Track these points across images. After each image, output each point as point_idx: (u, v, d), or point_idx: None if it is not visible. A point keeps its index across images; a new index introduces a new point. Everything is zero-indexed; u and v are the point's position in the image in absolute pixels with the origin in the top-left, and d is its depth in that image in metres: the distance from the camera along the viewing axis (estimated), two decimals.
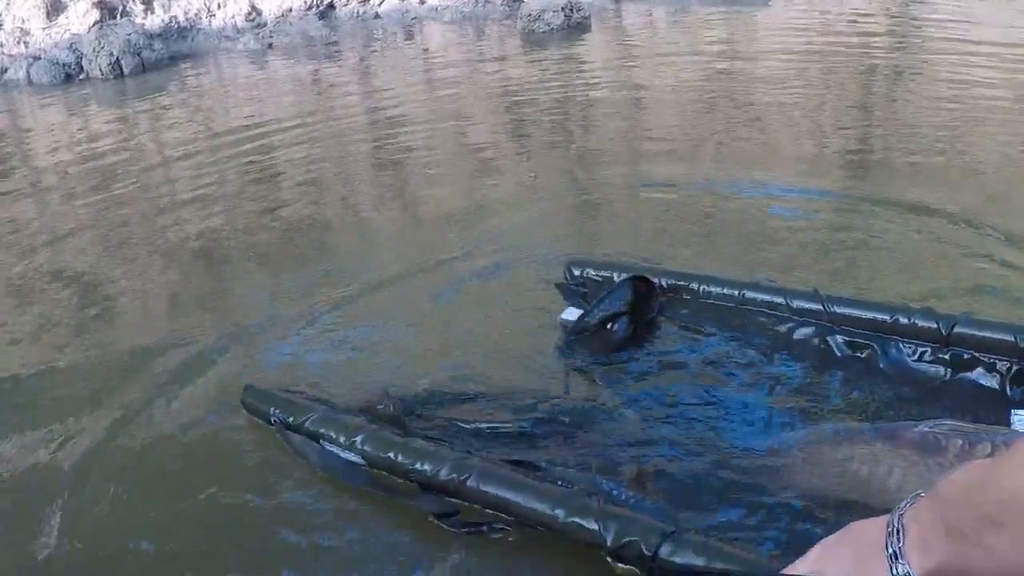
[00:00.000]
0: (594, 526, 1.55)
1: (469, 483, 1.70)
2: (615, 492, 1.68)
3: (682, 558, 1.46)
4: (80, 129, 6.38)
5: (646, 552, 1.48)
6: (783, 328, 2.27)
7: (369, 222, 3.95)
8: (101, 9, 8.81)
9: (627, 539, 1.51)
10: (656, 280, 2.46)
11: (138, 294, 3.26)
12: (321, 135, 5.37)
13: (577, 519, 1.57)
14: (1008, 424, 1.80)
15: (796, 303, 2.26)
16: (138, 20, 8.88)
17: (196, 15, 9.12)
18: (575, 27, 8.51)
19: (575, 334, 2.39)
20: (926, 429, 1.69)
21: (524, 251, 3.20)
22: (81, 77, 8.13)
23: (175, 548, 1.83)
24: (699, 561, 1.44)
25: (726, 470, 1.78)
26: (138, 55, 8.19)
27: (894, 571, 0.83)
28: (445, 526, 1.72)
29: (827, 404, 2.01)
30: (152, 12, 9.02)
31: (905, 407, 1.94)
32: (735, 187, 3.78)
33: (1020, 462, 0.74)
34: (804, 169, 4.09)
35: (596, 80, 6.49)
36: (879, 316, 2.13)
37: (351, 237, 3.76)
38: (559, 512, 1.59)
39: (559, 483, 1.70)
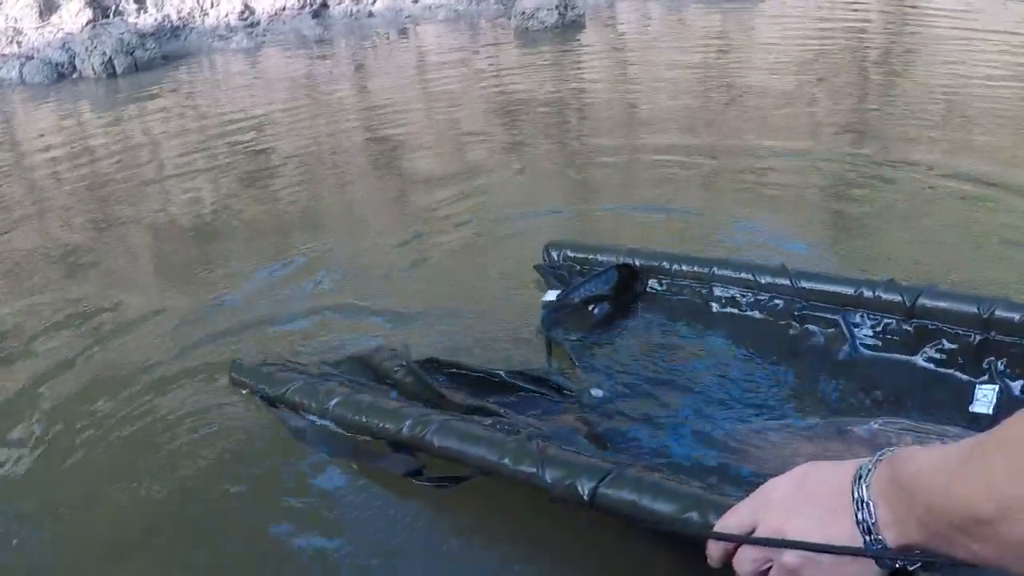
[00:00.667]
0: (533, 470, 1.54)
1: (427, 437, 1.73)
2: (563, 435, 1.70)
3: (617, 493, 1.42)
4: (73, 128, 6.36)
5: (584, 495, 1.45)
6: (752, 312, 2.31)
7: (358, 210, 3.92)
8: (94, 8, 8.79)
9: (566, 481, 1.48)
10: (632, 261, 2.49)
11: (124, 268, 3.27)
12: (314, 133, 5.36)
13: (521, 466, 1.57)
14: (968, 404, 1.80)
15: (764, 279, 2.29)
16: (131, 19, 8.86)
17: (189, 14, 9.10)
18: (570, 25, 8.49)
19: (556, 310, 2.44)
20: (876, 427, 1.67)
21: (511, 229, 3.25)
22: (74, 76, 8.11)
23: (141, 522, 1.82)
24: (633, 496, 1.40)
25: (672, 448, 1.80)
26: (131, 55, 8.17)
27: (868, 540, 0.80)
28: (416, 482, 1.77)
29: (790, 395, 2.00)
30: (145, 11, 9.00)
31: (870, 402, 1.93)
32: (734, 164, 3.84)
33: (980, 488, 0.70)
34: (804, 147, 4.12)
35: (591, 76, 6.47)
36: (844, 290, 2.15)
37: (339, 225, 3.74)
38: (506, 460, 1.60)
39: (507, 429, 1.72)
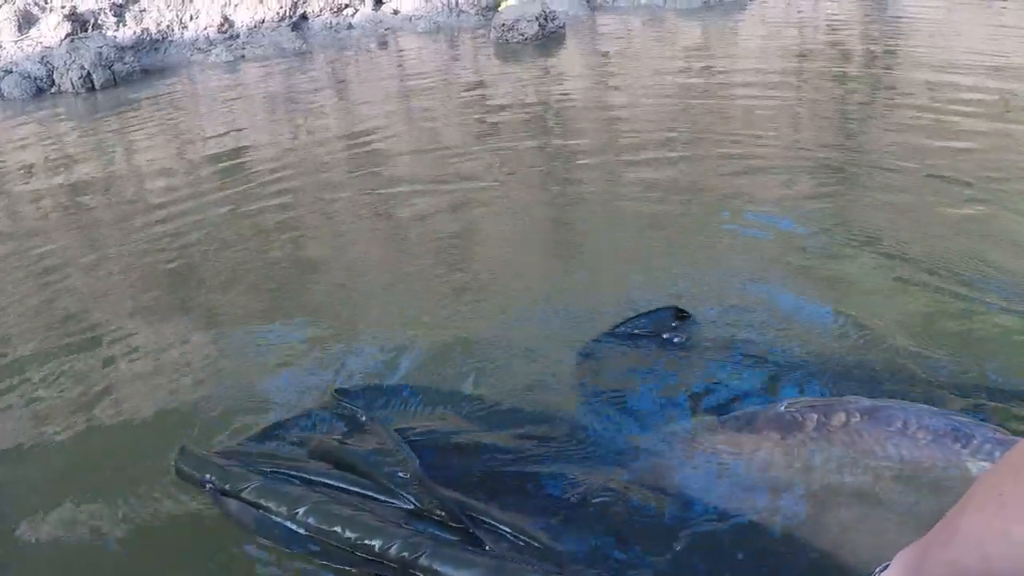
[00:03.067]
0: None
1: (421, 561, 1.68)
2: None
3: None
4: (51, 150, 6.33)
5: None
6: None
7: (347, 247, 3.91)
8: (73, 22, 8.75)
9: None
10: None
11: (100, 304, 3.24)
12: (296, 150, 5.36)
13: None
14: None
15: None
16: (110, 32, 8.82)
17: (168, 27, 9.07)
18: (549, 36, 8.52)
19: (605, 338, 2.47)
20: (782, 409, 1.75)
21: (507, 279, 3.23)
22: (52, 91, 8.08)
23: None
24: None
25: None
26: (109, 68, 8.14)
27: None
28: None
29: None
30: (124, 24, 8.97)
31: None
32: (713, 193, 3.87)
33: None
34: (782, 171, 4.16)
35: (571, 91, 6.50)
36: None
37: (332, 264, 3.72)
38: None
39: (511, 557, 1.67)
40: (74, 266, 3.74)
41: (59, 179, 5.16)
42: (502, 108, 6.01)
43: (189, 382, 2.63)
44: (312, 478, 1.98)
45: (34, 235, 4.21)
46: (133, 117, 6.83)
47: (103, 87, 8.03)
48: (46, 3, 8.89)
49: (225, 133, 5.98)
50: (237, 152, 5.37)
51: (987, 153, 4.07)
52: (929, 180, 3.78)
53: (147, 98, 7.51)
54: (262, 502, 1.90)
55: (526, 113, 5.76)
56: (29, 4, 8.80)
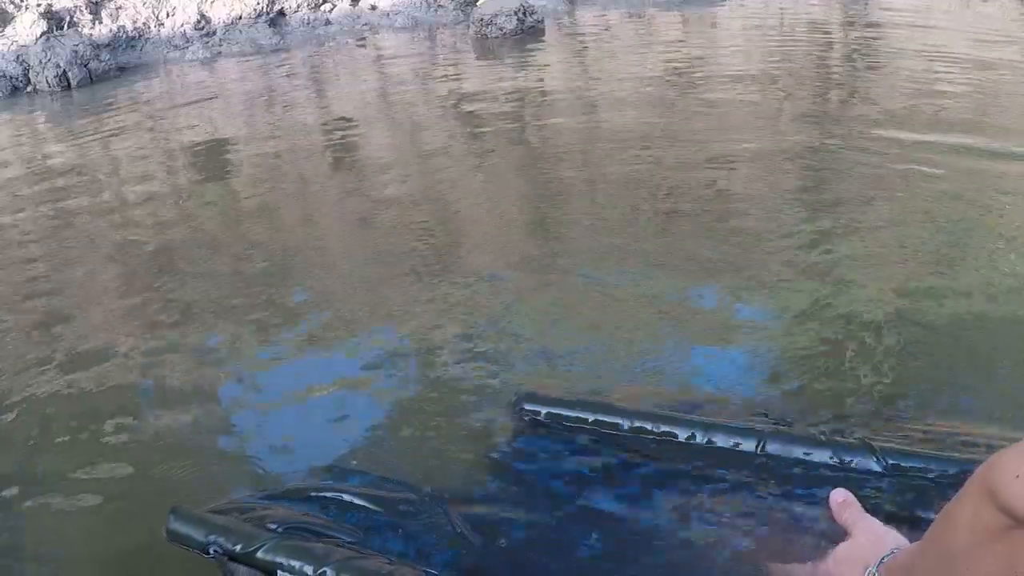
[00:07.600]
0: None
1: None
2: None
3: None
4: (26, 146, 6.29)
5: None
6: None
7: (330, 258, 3.88)
8: (48, 20, 8.68)
9: None
10: (633, 423, 2.05)
11: (79, 308, 3.23)
12: (274, 148, 5.34)
13: None
14: None
15: (848, 459, 1.87)
16: (86, 31, 8.75)
17: (144, 24, 9.01)
18: (529, 31, 8.50)
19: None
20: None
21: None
22: (28, 90, 8.02)
23: None
24: None
25: None
26: (85, 66, 8.08)
27: None
28: None
29: None
30: (100, 22, 8.90)
31: None
32: (695, 182, 3.91)
33: None
34: (764, 162, 4.17)
35: (552, 86, 6.49)
36: (948, 470, 1.79)
37: (309, 281, 3.65)
38: None
39: None
40: (59, 274, 3.73)
41: (33, 177, 5.12)
42: (477, 103, 6.00)
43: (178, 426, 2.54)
44: (336, 535, 1.76)
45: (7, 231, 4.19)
46: (109, 115, 6.79)
47: (79, 85, 7.98)
48: (21, 1, 8.81)
49: (201, 130, 5.94)
50: (214, 148, 5.34)
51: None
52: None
53: (124, 97, 7.47)
54: (281, 561, 1.64)
55: (501, 108, 5.76)
56: (3, 2, 8.72)
